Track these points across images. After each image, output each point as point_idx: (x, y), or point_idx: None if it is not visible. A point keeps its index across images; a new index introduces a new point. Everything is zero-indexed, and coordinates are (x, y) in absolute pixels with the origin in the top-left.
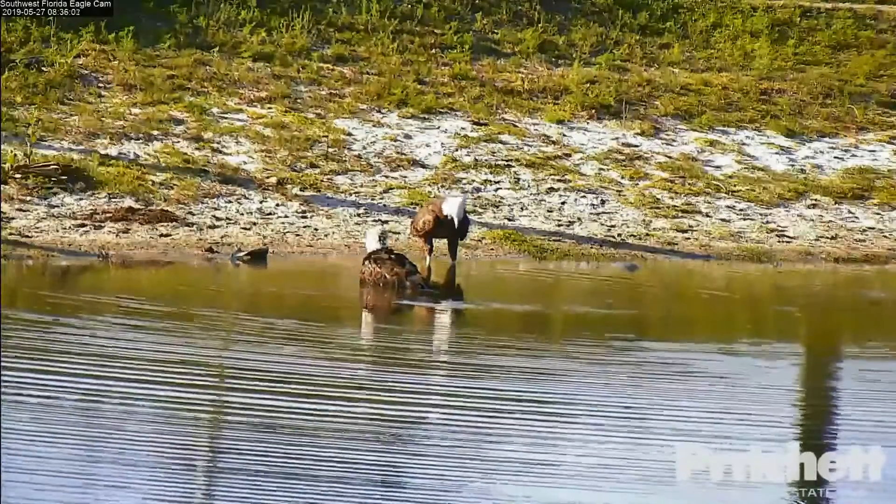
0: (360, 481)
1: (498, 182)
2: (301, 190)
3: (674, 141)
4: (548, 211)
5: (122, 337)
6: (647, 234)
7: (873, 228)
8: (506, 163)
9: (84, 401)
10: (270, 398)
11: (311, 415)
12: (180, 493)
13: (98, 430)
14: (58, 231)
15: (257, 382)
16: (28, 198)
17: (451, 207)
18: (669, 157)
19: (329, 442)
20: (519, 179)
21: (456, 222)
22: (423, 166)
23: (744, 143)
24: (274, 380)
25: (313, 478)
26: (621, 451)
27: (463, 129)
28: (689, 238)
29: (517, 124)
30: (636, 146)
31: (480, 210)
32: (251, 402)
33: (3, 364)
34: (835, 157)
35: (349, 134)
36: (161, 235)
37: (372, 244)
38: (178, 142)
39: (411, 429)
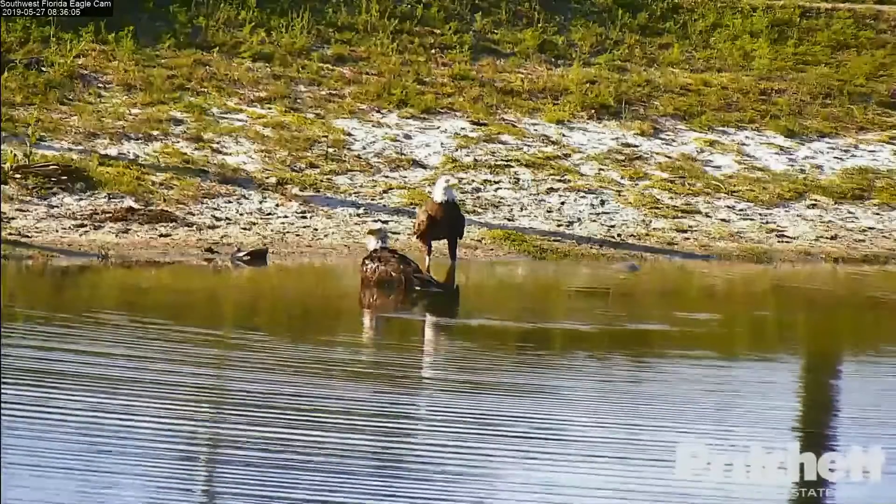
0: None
1: (498, 182)
2: (301, 190)
3: (673, 141)
4: (547, 211)
5: (121, 354)
6: (647, 234)
7: (873, 228)
8: (505, 163)
9: (80, 424)
10: (271, 422)
11: (312, 436)
12: None
13: (94, 454)
14: (58, 231)
15: (258, 405)
16: (28, 198)
17: (438, 192)
18: (669, 158)
19: (329, 465)
20: (519, 179)
21: (441, 197)
22: (423, 166)
23: (743, 143)
24: (276, 403)
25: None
26: (620, 463)
27: (463, 129)
28: (688, 238)
29: (517, 124)
30: (636, 146)
31: (480, 210)
32: (250, 424)
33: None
34: (834, 157)
35: (349, 134)
36: (161, 235)
37: (372, 243)
38: (178, 142)
39: (411, 449)
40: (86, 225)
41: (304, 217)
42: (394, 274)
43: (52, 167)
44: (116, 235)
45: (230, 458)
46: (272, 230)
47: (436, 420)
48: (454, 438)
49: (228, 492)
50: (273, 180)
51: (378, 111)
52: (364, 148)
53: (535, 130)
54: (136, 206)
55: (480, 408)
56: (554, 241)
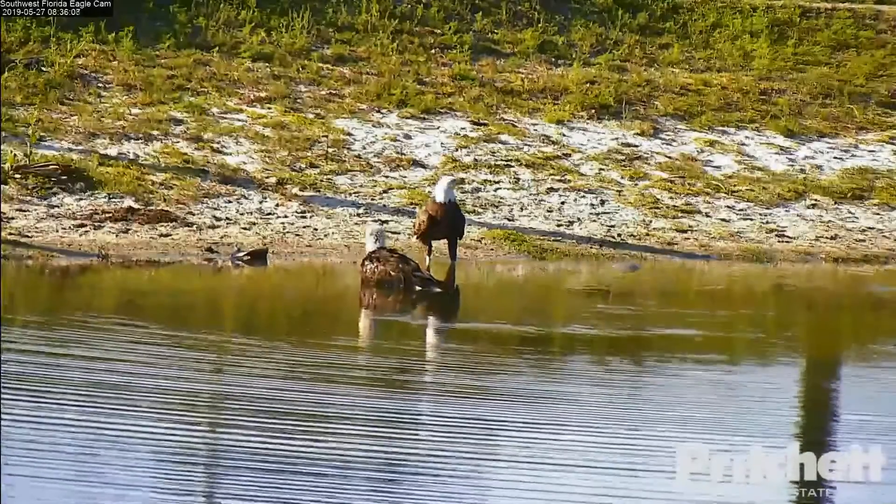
0: None
1: (498, 182)
2: (301, 190)
3: (673, 141)
4: (547, 211)
5: (120, 359)
6: (647, 234)
7: (873, 228)
8: (505, 163)
9: (79, 430)
10: (271, 429)
11: (312, 443)
12: None
13: (93, 461)
14: (58, 231)
15: (257, 412)
16: (28, 198)
17: (440, 192)
18: (669, 158)
19: (329, 472)
20: (519, 179)
21: (443, 198)
22: (423, 166)
23: (743, 143)
24: (276, 409)
25: None
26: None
27: (463, 129)
28: (688, 238)
29: (517, 124)
30: (636, 146)
31: (480, 210)
32: (250, 430)
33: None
34: (834, 157)
35: (349, 134)
36: (161, 235)
37: (370, 244)
38: (178, 142)
39: (411, 456)
40: (86, 225)
41: (304, 217)
42: (393, 273)
43: (52, 167)
44: (116, 235)
45: (229, 464)
46: (272, 230)
47: (436, 426)
48: (455, 445)
49: (228, 499)
50: (273, 180)
51: (378, 111)
52: (364, 148)
53: (535, 130)
54: (136, 206)
55: (481, 413)
56: (554, 240)
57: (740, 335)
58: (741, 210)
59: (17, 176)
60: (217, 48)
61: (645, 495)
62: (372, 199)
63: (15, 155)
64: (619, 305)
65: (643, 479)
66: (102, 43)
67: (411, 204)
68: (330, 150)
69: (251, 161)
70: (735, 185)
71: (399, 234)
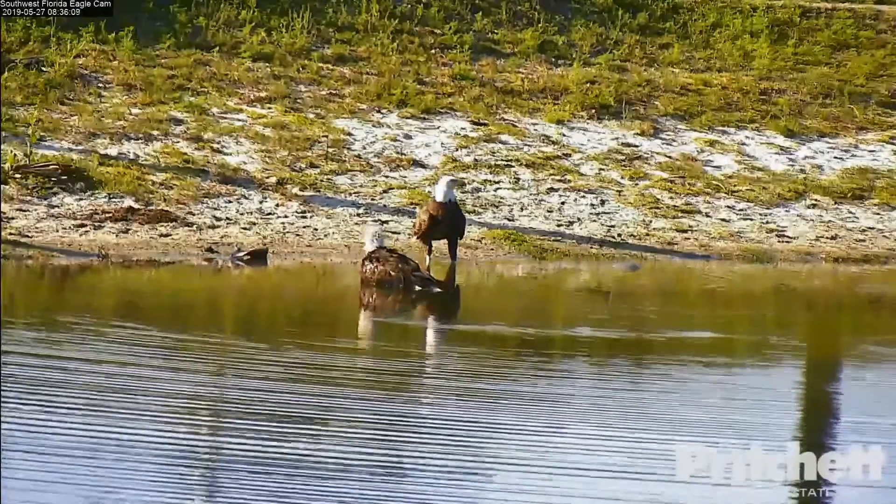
0: None
1: (498, 182)
2: (301, 190)
3: (673, 141)
4: (548, 211)
5: (120, 361)
6: (647, 234)
7: (873, 228)
8: (506, 163)
9: (79, 433)
10: (270, 432)
11: (312, 447)
12: None
13: (93, 465)
14: (58, 231)
15: (257, 415)
16: (28, 198)
17: (440, 192)
18: (669, 157)
19: (327, 475)
20: (519, 179)
21: (443, 197)
22: (423, 166)
23: (743, 143)
24: (275, 412)
25: None
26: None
27: (463, 129)
28: (688, 238)
29: (517, 124)
30: (636, 146)
31: (480, 210)
32: (249, 438)
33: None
34: (835, 157)
35: (349, 134)
36: (161, 235)
37: (369, 244)
38: (178, 142)
39: (409, 459)
40: (86, 225)
41: (304, 217)
42: (393, 273)
43: (52, 167)
44: (116, 235)
45: (230, 467)
46: (272, 230)
47: (437, 428)
48: (455, 447)
49: (228, 502)
50: (273, 180)
51: (378, 111)
52: (364, 148)
53: (535, 130)
54: (136, 206)
55: (481, 416)
56: (554, 240)
57: (741, 336)
58: (741, 210)
59: (17, 176)
60: (217, 48)
61: (645, 497)
62: (372, 199)
63: (15, 155)
64: (619, 306)
65: (643, 481)
66: (102, 43)
67: (411, 204)
68: (330, 150)
69: (251, 161)
70: (735, 185)
71: (399, 234)
